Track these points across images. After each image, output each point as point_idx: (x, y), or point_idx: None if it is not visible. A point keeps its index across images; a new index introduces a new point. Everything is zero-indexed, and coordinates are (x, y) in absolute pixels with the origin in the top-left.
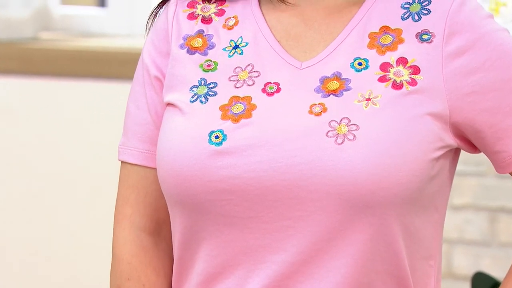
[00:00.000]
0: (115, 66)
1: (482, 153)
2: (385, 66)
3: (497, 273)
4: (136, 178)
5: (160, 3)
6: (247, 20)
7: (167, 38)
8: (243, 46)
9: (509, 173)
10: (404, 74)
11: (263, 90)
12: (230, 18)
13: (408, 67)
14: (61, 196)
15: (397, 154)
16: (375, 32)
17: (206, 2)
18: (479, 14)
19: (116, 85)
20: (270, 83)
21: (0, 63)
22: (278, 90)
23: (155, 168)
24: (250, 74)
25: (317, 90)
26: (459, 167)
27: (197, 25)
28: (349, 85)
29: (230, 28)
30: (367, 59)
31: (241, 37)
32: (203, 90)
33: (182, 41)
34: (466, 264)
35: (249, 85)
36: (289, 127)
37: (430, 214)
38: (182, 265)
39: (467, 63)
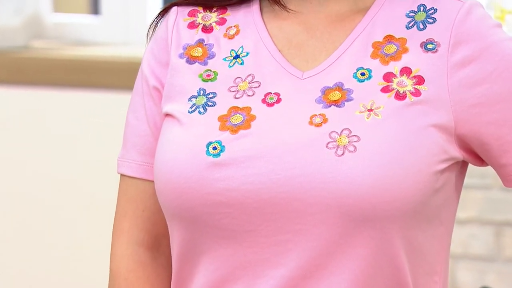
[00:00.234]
0: (110, 75)
1: (487, 166)
2: (388, 76)
3: None
4: (134, 192)
5: (161, 12)
6: (248, 29)
7: (166, 48)
8: (244, 56)
9: None
10: (408, 84)
11: (263, 101)
12: (231, 27)
13: (412, 77)
14: (53, 210)
15: (399, 166)
16: (379, 42)
17: (207, 10)
18: (486, 23)
19: (110, 95)
20: (271, 93)
21: None
22: (279, 100)
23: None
24: (250, 84)
25: (318, 101)
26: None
27: (198, 34)
28: (351, 95)
29: (231, 37)
30: (370, 69)
31: (242, 46)
32: (202, 100)
33: (181, 51)
34: (471, 279)
35: (249, 95)
36: (288, 138)
37: (435, 228)
38: (180, 279)
39: (473, 74)
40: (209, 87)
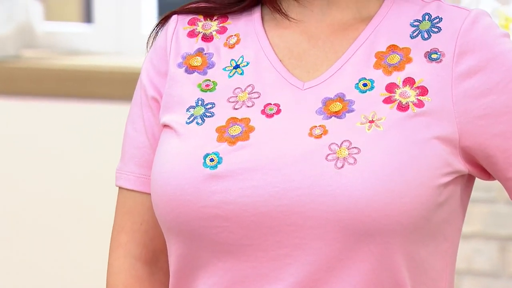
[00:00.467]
0: (103, 85)
1: (494, 180)
2: (391, 87)
3: None
4: (132, 205)
5: (161, 20)
6: (249, 38)
7: (165, 57)
8: (244, 66)
9: None
10: (411, 95)
11: (263, 112)
12: (232, 36)
13: (415, 87)
14: (45, 223)
15: (400, 179)
16: (382, 52)
17: (208, 19)
18: (493, 33)
19: (103, 106)
20: (270, 104)
21: None
22: (278, 111)
23: None
24: (249, 95)
25: (319, 112)
26: None
27: (197, 43)
28: (353, 106)
29: (232, 46)
30: (373, 80)
31: (242, 56)
32: (200, 110)
33: (180, 60)
34: None
35: (248, 106)
36: (287, 150)
37: (438, 243)
38: None
39: (479, 84)
40: (208, 97)
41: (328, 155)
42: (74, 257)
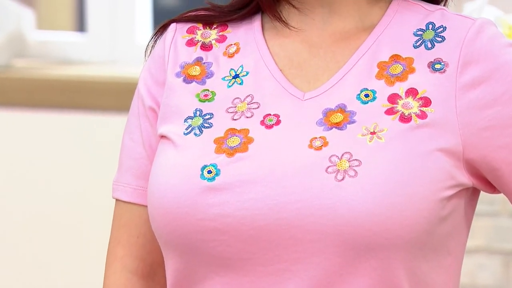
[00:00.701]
0: (96, 96)
1: (500, 193)
2: (393, 98)
3: None
4: (129, 217)
5: (159, 29)
6: (249, 47)
7: (163, 66)
8: (243, 76)
9: None
10: (414, 106)
11: (262, 123)
12: (231, 45)
13: (418, 98)
14: (36, 236)
15: (402, 192)
16: (385, 62)
17: (207, 27)
18: (498, 43)
19: (97, 117)
20: (270, 115)
21: None
22: (278, 122)
23: None
24: (249, 105)
25: (319, 123)
26: None
27: (196, 52)
28: (354, 118)
29: (231, 55)
30: (375, 90)
31: (241, 65)
32: (198, 121)
33: (178, 69)
34: None
35: (247, 117)
36: (286, 162)
37: (441, 258)
38: None
39: (484, 95)
40: (206, 107)
41: (328, 167)
42: (69, 271)
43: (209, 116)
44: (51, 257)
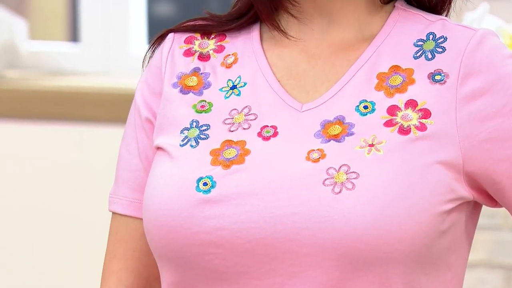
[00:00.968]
0: (89, 107)
1: (501, 207)
2: (392, 110)
3: None
4: (125, 230)
5: (157, 38)
6: (247, 57)
7: (160, 77)
8: (241, 87)
9: None
10: (413, 118)
11: (259, 134)
12: (229, 55)
13: (418, 110)
14: (31, 250)
15: (400, 205)
16: (384, 73)
17: (205, 37)
18: (500, 54)
19: (90, 128)
20: (267, 126)
21: None
22: (275, 134)
23: None
24: (246, 117)
25: (317, 135)
26: None
27: (194, 62)
28: (352, 130)
29: (229, 66)
30: (374, 102)
31: (239, 76)
32: (195, 132)
33: (175, 80)
34: None
35: (244, 128)
36: (283, 174)
37: (441, 273)
38: None
39: (484, 107)
40: (203, 118)
41: (326, 179)
42: (65, 285)
43: (205, 128)
44: (45, 273)
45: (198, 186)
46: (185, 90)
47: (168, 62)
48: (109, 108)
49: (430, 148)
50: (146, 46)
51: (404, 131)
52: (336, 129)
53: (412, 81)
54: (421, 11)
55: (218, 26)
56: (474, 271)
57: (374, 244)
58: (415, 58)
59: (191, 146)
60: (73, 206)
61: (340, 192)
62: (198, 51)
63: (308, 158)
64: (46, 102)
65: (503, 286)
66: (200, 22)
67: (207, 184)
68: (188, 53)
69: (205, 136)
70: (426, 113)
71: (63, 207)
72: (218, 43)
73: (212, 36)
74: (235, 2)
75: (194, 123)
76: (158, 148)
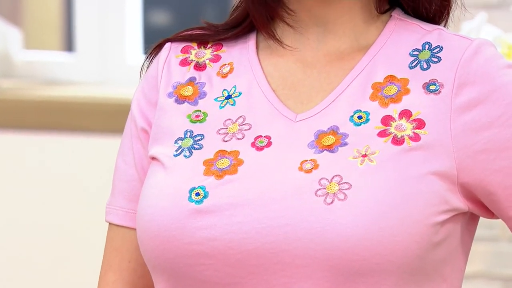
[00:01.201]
0: (85, 117)
1: (498, 218)
2: (386, 120)
3: None
4: (121, 241)
5: (154, 48)
6: (242, 67)
7: (156, 86)
8: (236, 97)
9: None
10: (407, 128)
11: (253, 144)
12: (225, 65)
13: (412, 120)
14: (30, 261)
15: (393, 216)
16: (379, 82)
17: (202, 47)
18: (496, 64)
19: (86, 139)
20: (261, 136)
21: None
22: (269, 144)
23: None
24: (240, 127)
25: (311, 145)
26: None
27: (189, 72)
28: (346, 140)
29: (224, 76)
30: (368, 112)
31: (235, 86)
32: (188, 142)
33: (171, 89)
34: None
35: (238, 138)
36: (276, 184)
37: (435, 284)
38: None
39: (479, 118)
40: (197, 128)
41: (318, 190)
42: None
43: (199, 137)
44: (40, 284)
45: (190, 196)
46: (180, 100)
47: (164, 72)
48: (105, 118)
49: (423, 158)
50: (142, 56)
51: (397, 141)
52: (329, 140)
53: (407, 91)
54: (417, 21)
55: (214, 35)
56: (472, 283)
57: (366, 255)
58: (410, 68)
59: (185, 156)
60: (69, 216)
61: (332, 202)
62: (194, 60)
63: (301, 169)
64: (41, 112)
65: None
66: (197, 32)
67: (199, 195)
68: (184, 62)
69: (198, 146)
70: (420, 123)
71: (59, 217)
72: (215, 53)
73: (209, 45)
74: (232, 11)
75: (188, 133)
76: (153, 158)
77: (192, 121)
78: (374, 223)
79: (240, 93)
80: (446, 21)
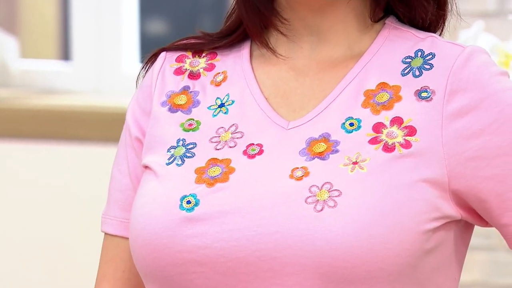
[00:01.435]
0: (82, 126)
1: (492, 227)
2: (378, 127)
3: None
4: (115, 251)
5: (150, 58)
6: (236, 75)
7: (150, 96)
8: (229, 105)
9: None
10: (398, 135)
11: (244, 152)
12: (219, 73)
13: (403, 127)
14: (24, 272)
15: (383, 223)
16: (371, 90)
17: (197, 56)
18: (488, 71)
19: (83, 148)
20: (253, 144)
21: None
22: (261, 152)
23: None
24: (232, 135)
25: (302, 153)
26: None
27: (183, 80)
28: (337, 147)
29: (218, 84)
30: (360, 119)
31: (227, 94)
32: (181, 151)
33: (165, 98)
34: None
35: (230, 147)
36: (266, 192)
37: None
38: None
39: (471, 125)
40: (190, 137)
41: (308, 197)
42: None
43: (192, 146)
44: None
45: (181, 204)
46: (173, 108)
47: (159, 81)
48: (101, 127)
49: (414, 165)
50: (139, 65)
51: (388, 148)
52: (321, 147)
53: (399, 98)
54: (411, 28)
55: (209, 44)
56: None
57: (356, 263)
58: (402, 75)
59: (177, 164)
60: (65, 225)
61: (322, 210)
62: (188, 69)
63: (291, 176)
64: (37, 121)
65: None
66: (192, 41)
67: (190, 202)
68: (178, 71)
69: (191, 155)
70: (411, 131)
71: (55, 226)
72: (209, 62)
73: (204, 54)
74: (226, 19)
75: (181, 142)
76: (146, 167)
77: (185, 130)
78: (364, 230)
79: (233, 101)
80: (442, 30)
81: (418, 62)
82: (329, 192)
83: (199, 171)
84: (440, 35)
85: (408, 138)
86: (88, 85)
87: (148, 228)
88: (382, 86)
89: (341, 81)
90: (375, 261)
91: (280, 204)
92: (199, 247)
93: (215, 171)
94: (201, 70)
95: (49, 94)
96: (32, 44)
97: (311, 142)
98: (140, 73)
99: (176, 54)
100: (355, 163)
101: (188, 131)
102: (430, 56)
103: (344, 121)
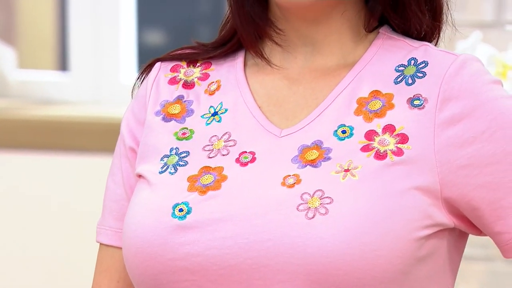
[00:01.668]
0: (80, 137)
1: (486, 235)
2: (370, 134)
3: None
4: (109, 261)
5: (145, 68)
6: (230, 84)
7: (145, 106)
8: (222, 113)
9: None
10: (390, 143)
11: (237, 160)
12: (213, 82)
13: (395, 135)
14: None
15: (375, 231)
16: (364, 97)
17: (191, 65)
18: (481, 79)
19: (80, 158)
20: (246, 152)
21: None
22: (253, 160)
23: None
24: (225, 143)
25: (294, 160)
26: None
27: (178, 90)
28: (329, 155)
29: (212, 93)
30: (352, 127)
31: (221, 103)
32: (174, 159)
33: (159, 108)
34: None
35: (223, 155)
36: (258, 200)
37: None
38: None
39: (463, 133)
40: (183, 146)
41: (300, 205)
42: None
43: (185, 154)
44: None
45: (173, 212)
46: (167, 118)
47: (153, 91)
48: (99, 137)
49: (406, 173)
50: (136, 75)
51: (380, 156)
52: (313, 154)
53: (392, 106)
54: (405, 37)
55: (203, 54)
56: None
57: (348, 270)
58: (395, 83)
59: (170, 173)
60: (61, 236)
61: (313, 217)
62: (183, 79)
63: (283, 184)
64: (35, 132)
65: None
66: (187, 51)
67: (182, 210)
68: (173, 81)
69: (183, 163)
70: (403, 138)
71: (52, 236)
72: (203, 71)
73: (198, 64)
74: (221, 29)
75: (174, 150)
76: (140, 176)
77: (178, 139)
78: (355, 237)
79: (226, 110)
80: (437, 41)
81: (411, 70)
82: (320, 199)
83: (192, 179)
84: (435, 44)
85: (400, 145)
86: (86, 95)
87: (141, 236)
88: (375, 94)
89: (334, 89)
90: (366, 269)
91: (272, 211)
92: (191, 255)
93: (208, 179)
94: (196, 80)
95: (47, 105)
96: (30, 55)
97: (304, 150)
98: (136, 84)
99: (171, 64)
100: (347, 170)
101: (182, 140)
102: (423, 64)
103: (336, 128)
